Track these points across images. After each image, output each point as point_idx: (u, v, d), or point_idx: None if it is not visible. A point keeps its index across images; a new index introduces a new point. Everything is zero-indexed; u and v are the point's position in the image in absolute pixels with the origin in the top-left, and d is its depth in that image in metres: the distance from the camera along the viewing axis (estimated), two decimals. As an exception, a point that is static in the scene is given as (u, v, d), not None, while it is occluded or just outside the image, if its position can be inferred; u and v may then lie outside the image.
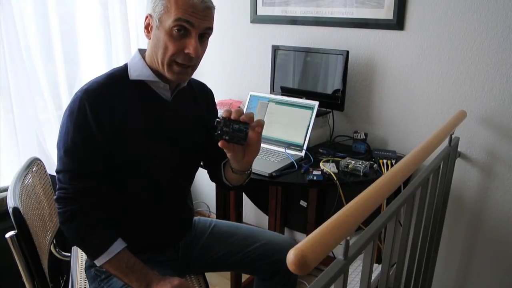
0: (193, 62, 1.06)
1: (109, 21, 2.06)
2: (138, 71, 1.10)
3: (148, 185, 1.15)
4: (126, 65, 1.13)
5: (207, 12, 1.02)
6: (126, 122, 1.07)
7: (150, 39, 1.07)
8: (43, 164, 1.36)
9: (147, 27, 1.07)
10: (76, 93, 1.05)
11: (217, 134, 1.02)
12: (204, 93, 1.29)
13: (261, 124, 1.06)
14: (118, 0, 2.06)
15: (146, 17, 1.06)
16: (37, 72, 1.82)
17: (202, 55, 1.09)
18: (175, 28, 1.00)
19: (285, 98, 1.89)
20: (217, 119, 1.02)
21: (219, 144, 1.03)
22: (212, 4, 1.05)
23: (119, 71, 1.11)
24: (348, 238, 0.76)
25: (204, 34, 1.05)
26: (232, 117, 1.02)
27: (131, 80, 1.10)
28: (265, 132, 1.86)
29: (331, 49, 1.87)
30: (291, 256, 0.61)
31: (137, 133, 1.09)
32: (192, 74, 1.11)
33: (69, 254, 1.41)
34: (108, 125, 1.04)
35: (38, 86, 1.82)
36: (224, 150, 1.06)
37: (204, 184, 2.71)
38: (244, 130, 1.03)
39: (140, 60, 1.11)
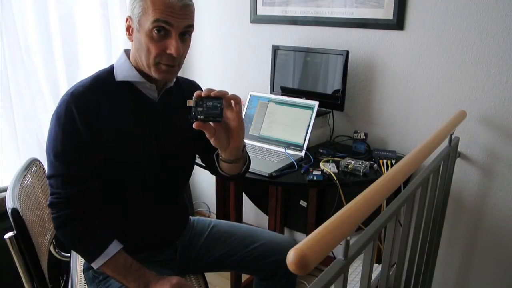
0: (177, 62, 1.05)
1: (109, 21, 2.06)
2: (124, 72, 1.09)
3: (138, 185, 1.14)
4: (111, 67, 1.12)
5: (186, 10, 1.01)
6: (114, 124, 1.06)
7: (132, 41, 1.07)
8: (42, 164, 1.36)
9: (128, 30, 1.06)
10: (62, 97, 1.04)
11: (192, 116, 0.98)
12: (192, 90, 1.28)
13: (237, 100, 1.02)
14: (118, 0, 2.06)
15: (127, 19, 1.05)
16: (37, 72, 1.82)
17: (186, 53, 1.08)
18: (154, 30, 0.99)
19: (285, 98, 1.89)
20: (188, 100, 0.98)
21: (194, 126, 0.98)
22: (190, 0, 1.03)
23: (105, 73, 1.11)
24: (348, 238, 0.76)
25: (185, 32, 1.04)
26: (203, 94, 0.98)
27: (117, 82, 1.09)
28: (265, 132, 1.87)
29: (331, 49, 1.87)
30: (291, 256, 0.61)
31: (125, 134, 1.08)
32: (178, 72, 1.10)
33: (69, 254, 1.41)
34: (96, 128, 1.03)
35: (38, 86, 1.82)
36: (205, 132, 1.01)
37: (204, 184, 2.70)
38: (218, 106, 0.99)
39: (126, 61, 1.10)
